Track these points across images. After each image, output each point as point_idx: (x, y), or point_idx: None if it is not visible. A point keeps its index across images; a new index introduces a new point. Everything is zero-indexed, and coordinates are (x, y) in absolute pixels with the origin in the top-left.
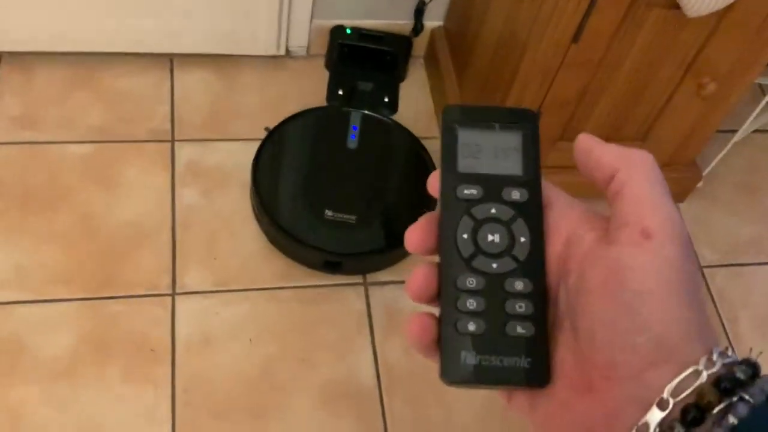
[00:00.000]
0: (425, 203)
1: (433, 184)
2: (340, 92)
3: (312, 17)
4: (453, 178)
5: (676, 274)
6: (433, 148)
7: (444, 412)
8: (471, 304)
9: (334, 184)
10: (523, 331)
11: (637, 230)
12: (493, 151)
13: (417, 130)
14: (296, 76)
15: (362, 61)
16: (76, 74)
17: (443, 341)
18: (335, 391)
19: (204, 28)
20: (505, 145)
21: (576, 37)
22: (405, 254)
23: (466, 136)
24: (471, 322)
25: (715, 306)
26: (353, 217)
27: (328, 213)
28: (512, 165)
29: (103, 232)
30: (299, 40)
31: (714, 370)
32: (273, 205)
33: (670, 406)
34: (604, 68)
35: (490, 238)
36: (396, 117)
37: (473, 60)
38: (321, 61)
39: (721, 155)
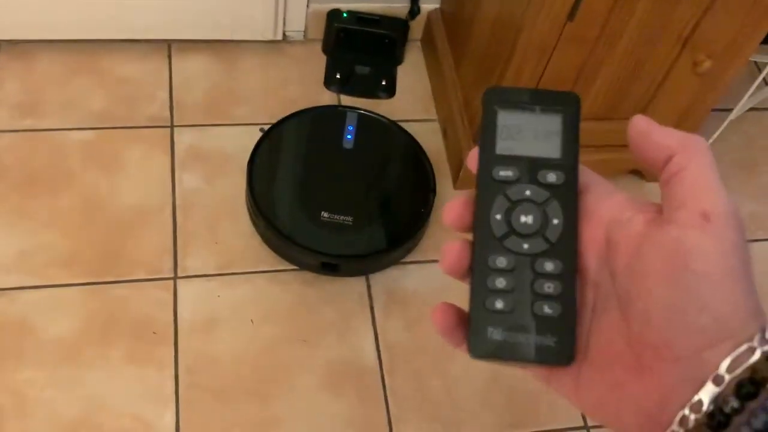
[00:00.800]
0: (423, 204)
1: (472, 162)
2: (338, 76)
3: (309, 1)
4: (490, 159)
5: (736, 258)
6: (432, 128)
7: (445, 389)
8: (500, 282)
9: (330, 185)
10: (550, 311)
11: (696, 213)
12: (532, 134)
13: (415, 113)
14: (294, 61)
15: (359, 45)
16: (75, 62)
17: (471, 317)
18: (337, 371)
19: (201, 15)
20: (544, 127)
21: (572, 15)
22: (402, 256)
23: (505, 118)
24: (499, 300)
25: None
26: (350, 219)
27: (324, 215)
28: (550, 148)
29: (105, 217)
30: (296, 25)
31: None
32: (268, 208)
33: (725, 381)
34: (601, 46)
35: (523, 219)
36: (393, 100)
37: (470, 41)
38: (318, 46)
39: (717, 133)
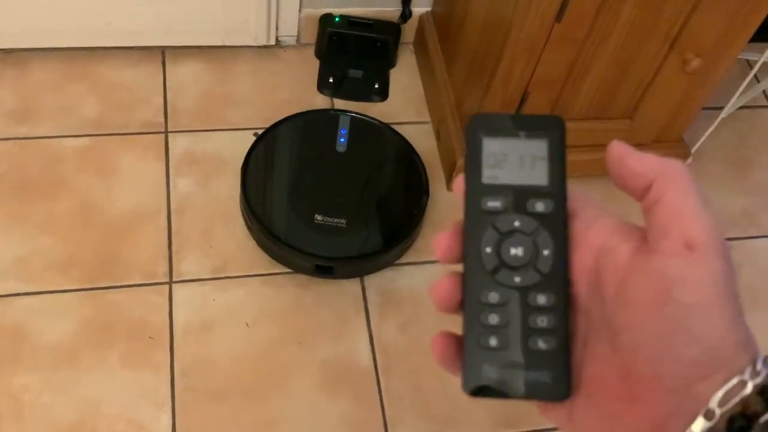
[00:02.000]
0: (416, 206)
1: (459, 190)
2: (331, 80)
3: (301, 6)
4: (477, 189)
5: (723, 286)
6: (425, 130)
7: (440, 389)
8: (493, 318)
9: (324, 189)
10: (545, 346)
11: (680, 241)
12: (518, 161)
13: (408, 115)
14: (287, 66)
15: (352, 49)
16: (69, 69)
17: (465, 353)
18: (332, 372)
19: (194, 21)
20: (530, 153)
21: (559, 16)
22: (396, 257)
23: (491, 146)
24: (493, 337)
25: None
26: (343, 221)
27: (318, 218)
28: (537, 175)
29: (100, 223)
30: (289, 30)
31: (759, 380)
32: (262, 211)
33: (717, 416)
34: (589, 46)
35: (513, 251)
36: (386, 103)
37: (461, 44)
38: (311, 50)
39: (709, 131)
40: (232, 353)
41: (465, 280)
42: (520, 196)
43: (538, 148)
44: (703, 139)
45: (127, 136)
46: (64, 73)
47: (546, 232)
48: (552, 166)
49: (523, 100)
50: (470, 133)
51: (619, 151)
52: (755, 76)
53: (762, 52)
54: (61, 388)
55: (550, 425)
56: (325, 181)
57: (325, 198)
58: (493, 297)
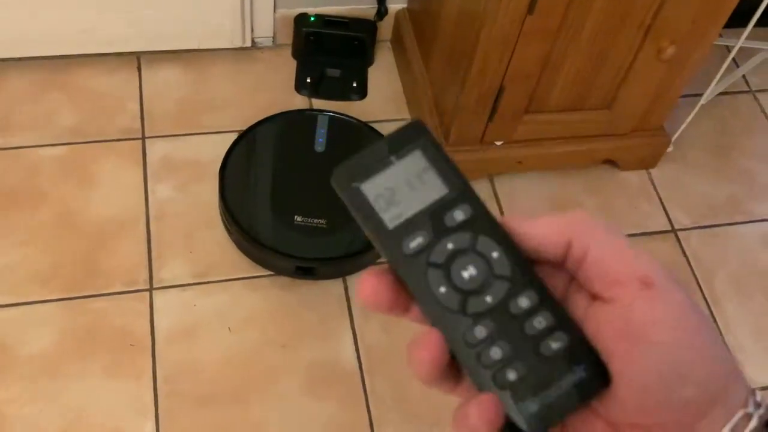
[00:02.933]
0: None
1: (368, 287)
2: (309, 80)
3: (275, 7)
4: (389, 238)
5: (695, 315)
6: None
7: (425, 389)
8: (495, 353)
9: (303, 189)
10: (558, 344)
11: (635, 283)
12: (407, 186)
13: (387, 113)
14: (264, 67)
15: (329, 48)
16: (45, 78)
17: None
18: (317, 374)
19: (169, 25)
20: (413, 172)
21: (531, 8)
22: (378, 256)
23: (371, 189)
24: (509, 371)
25: (691, 268)
26: (323, 222)
27: (298, 218)
28: (434, 187)
29: (79, 232)
30: (264, 31)
31: (763, 410)
32: (241, 214)
33: None
34: (563, 37)
35: (466, 274)
36: (365, 101)
37: (437, 40)
38: (288, 51)
39: (689, 119)
40: (215, 358)
41: (444, 334)
42: (434, 219)
43: (415, 161)
44: (683, 126)
45: (105, 143)
46: (40, 82)
47: (481, 235)
48: (440, 170)
49: (499, 94)
50: (343, 188)
51: (518, 224)
52: (734, 60)
53: (739, 39)
54: (44, 400)
55: None
56: (305, 181)
57: (304, 199)
58: (480, 332)
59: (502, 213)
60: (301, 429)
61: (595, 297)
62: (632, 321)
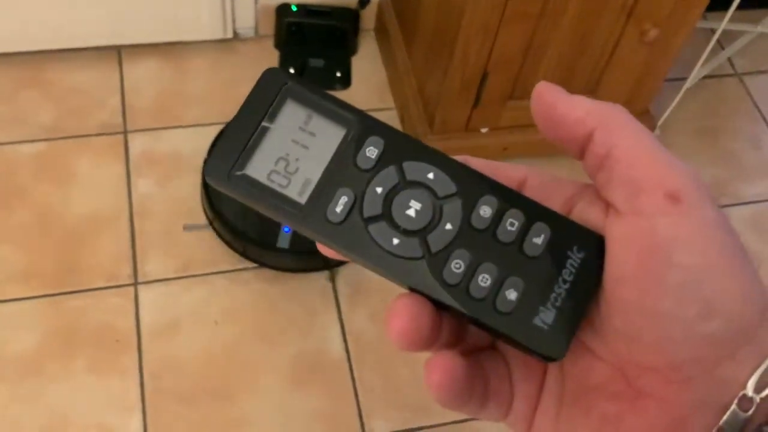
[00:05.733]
0: None
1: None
2: (291, 71)
3: None
4: (307, 214)
5: (726, 237)
6: (389, 117)
7: (414, 377)
8: (484, 279)
9: None
10: (542, 236)
11: (660, 195)
12: (297, 147)
13: (371, 103)
14: (246, 59)
15: (312, 38)
16: (23, 74)
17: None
18: (305, 365)
19: (149, 18)
20: (295, 127)
21: None
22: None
23: (257, 168)
24: (506, 293)
25: None
26: None
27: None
28: (329, 134)
29: (60, 228)
30: (246, 21)
31: None
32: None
33: (755, 404)
34: (545, 21)
35: (411, 212)
36: (349, 91)
37: (419, 27)
38: (270, 41)
39: (675, 102)
40: (201, 353)
41: (415, 293)
42: (346, 168)
43: (293, 115)
44: (669, 110)
45: (86, 138)
46: (17, 79)
47: (405, 161)
48: (326, 112)
49: (483, 80)
50: (224, 180)
51: (546, 95)
52: (719, 42)
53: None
54: (28, 399)
55: None
56: None
57: None
58: (457, 266)
59: None
60: (290, 420)
61: (610, 207)
62: (653, 239)
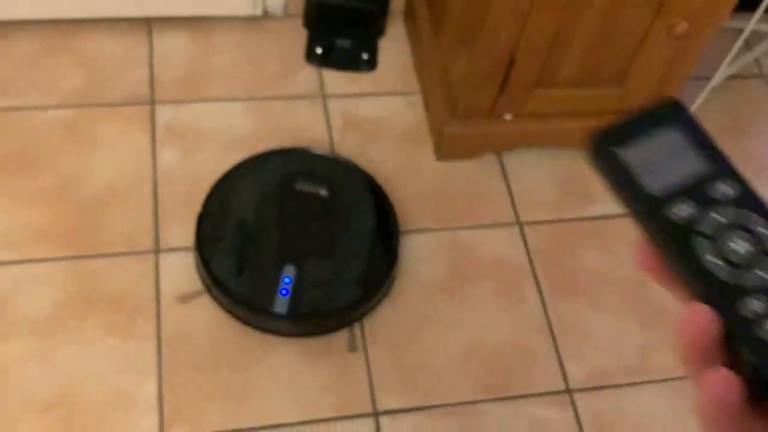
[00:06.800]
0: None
1: (642, 257)
2: (319, 51)
3: None
4: (648, 203)
5: None
6: (412, 102)
7: (425, 356)
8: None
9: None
10: None
11: None
12: (666, 157)
13: (395, 86)
14: (274, 36)
15: (340, 19)
16: (52, 41)
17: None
18: (319, 339)
19: None
20: (672, 145)
21: None
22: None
23: (628, 154)
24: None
25: None
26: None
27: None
28: (695, 161)
29: (84, 194)
30: (276, 0)
31: None
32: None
33: None
34: (574, 10)
35: (734, 246)
36: (374, 73)
37: (448, 11)
38: (299, 20)
39: (699, 100)
40: (218, 322)
41: (720, 316)
42: (698, 191)
43: (675, 136)
44: (693, 108)
45: (113, 107)
46: (47, 46)
47: (752, 213)
48: (701, 145)
49: (510, 66)
50: (599, 150)
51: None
52: (746, 42)
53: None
54: (46, 358)
55: (534, 390)
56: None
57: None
58: (755, 305)
59: (509, 188)
60: (301, 394)
61: None
62: None
